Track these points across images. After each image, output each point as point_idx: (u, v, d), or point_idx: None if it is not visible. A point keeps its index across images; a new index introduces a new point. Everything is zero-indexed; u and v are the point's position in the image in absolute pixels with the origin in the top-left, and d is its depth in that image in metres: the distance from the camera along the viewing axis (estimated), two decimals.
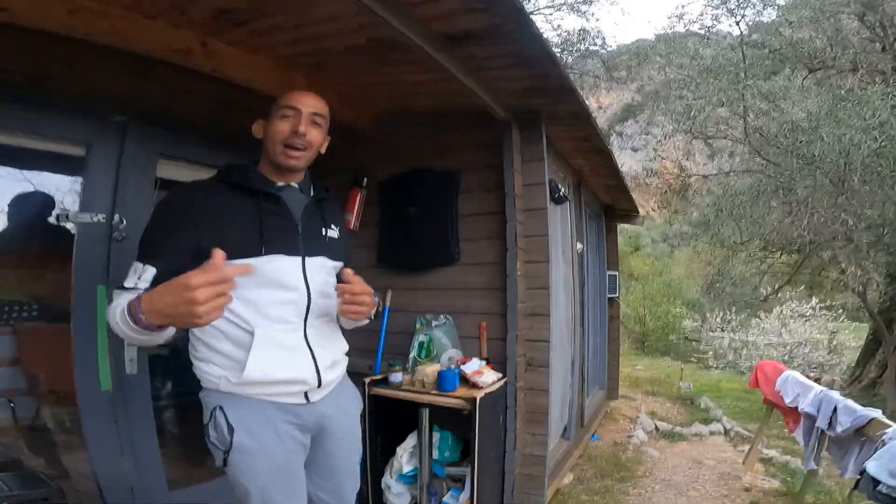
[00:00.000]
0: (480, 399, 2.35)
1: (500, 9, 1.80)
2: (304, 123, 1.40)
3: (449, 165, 2.98)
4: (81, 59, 1.99)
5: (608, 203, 5.72)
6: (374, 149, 3.24)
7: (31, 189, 2.43)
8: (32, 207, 2.42)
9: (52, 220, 2.36)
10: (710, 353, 11.67)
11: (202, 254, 1.14)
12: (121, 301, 1.16)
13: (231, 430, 1.31)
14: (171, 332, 1.18)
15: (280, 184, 1.45)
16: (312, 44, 2.19)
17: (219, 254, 1.05)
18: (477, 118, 2.80)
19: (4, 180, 2.37)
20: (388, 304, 3.10)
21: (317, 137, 1.45)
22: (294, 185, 1.48)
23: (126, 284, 1.23)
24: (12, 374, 2.56)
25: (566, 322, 3.74)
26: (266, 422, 1.35)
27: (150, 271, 1.24)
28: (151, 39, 1.92)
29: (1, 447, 2.49)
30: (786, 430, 3.89)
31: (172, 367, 3.16)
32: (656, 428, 5.31)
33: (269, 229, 1.36)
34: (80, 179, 2.36)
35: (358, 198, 3.25)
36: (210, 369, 1.35)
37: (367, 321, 1.54)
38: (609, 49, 14.69)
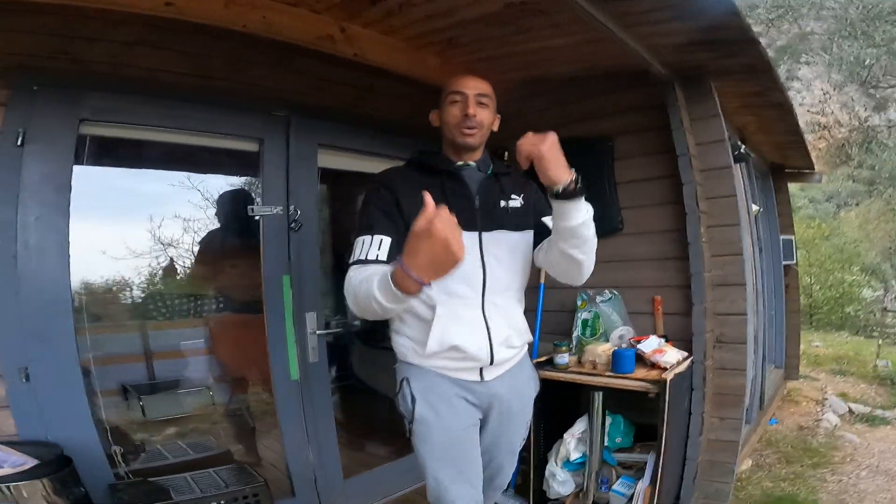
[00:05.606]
0: (671, 381, 2.13)
1: None
2: (472, 106, 1.49)
3: (597, 132, 2.77)
4: (237, 55, 2.11)
5: (775, 161, 5.06)
6: (507, 122, 3.09)
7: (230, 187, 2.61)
8: (236, 203, 2.58)
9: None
10: None
11: (406, 230, 1.24)
12: (367, 273, 1.27)
13: (413, 400, 1.45)
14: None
15: (459, 163, 1.56)
16: (446, 17, 2.13)
17: (426, 195, 1.12)
18: (627, 80, 2.59)
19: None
20: (542, 280, 2.96)
21: (486, 117, 1.53)
22: (472, 163, 1.57)
23: (368, 257, 1.34)
24: (208, 363, 2.82)
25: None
26: (444, 395, 1.46)
27: (388, 241, 1.36)
28: (298, 28, 2.00)
29: (209, 438, 2.74)
30: None
31: (338, 355, 3.30)
32: (850, 411, 4.67)
33: (452, 206, 1.38)
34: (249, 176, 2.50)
35: None
36: (402, 341, 1.51)
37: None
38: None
